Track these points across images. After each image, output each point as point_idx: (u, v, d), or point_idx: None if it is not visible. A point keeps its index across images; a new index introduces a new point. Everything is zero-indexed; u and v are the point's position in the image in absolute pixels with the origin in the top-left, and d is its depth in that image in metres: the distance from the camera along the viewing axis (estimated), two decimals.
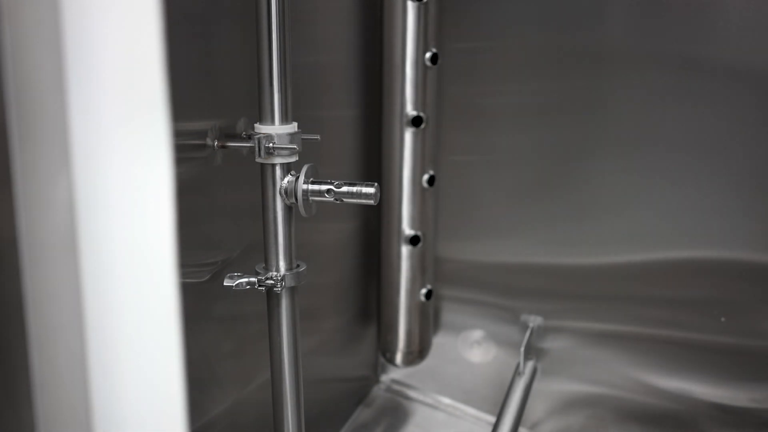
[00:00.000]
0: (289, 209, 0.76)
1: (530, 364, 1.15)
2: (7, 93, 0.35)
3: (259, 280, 0.76)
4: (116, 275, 0.35)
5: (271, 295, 0.78)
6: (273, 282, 0.76)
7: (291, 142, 0.73)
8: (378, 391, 1.31)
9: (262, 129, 0.73)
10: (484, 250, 1.19)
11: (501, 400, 1.09)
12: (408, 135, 1.08)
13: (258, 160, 0.74)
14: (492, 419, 1.15)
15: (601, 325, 1.14)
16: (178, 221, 0.35)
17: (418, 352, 1.20)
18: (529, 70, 1.09)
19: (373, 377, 1.31)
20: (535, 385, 1.15)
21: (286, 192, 0.75)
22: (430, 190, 1.11)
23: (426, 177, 1.10)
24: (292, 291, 0.78)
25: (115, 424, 0.36)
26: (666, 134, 1.02)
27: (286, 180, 0.75)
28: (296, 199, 0.74)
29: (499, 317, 1.21)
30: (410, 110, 1.06)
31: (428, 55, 1.05)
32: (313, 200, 0.75)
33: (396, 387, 1.32)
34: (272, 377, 0.80)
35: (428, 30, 1.04)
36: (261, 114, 0.74)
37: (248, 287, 0.76)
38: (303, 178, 0.74)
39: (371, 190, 0.75)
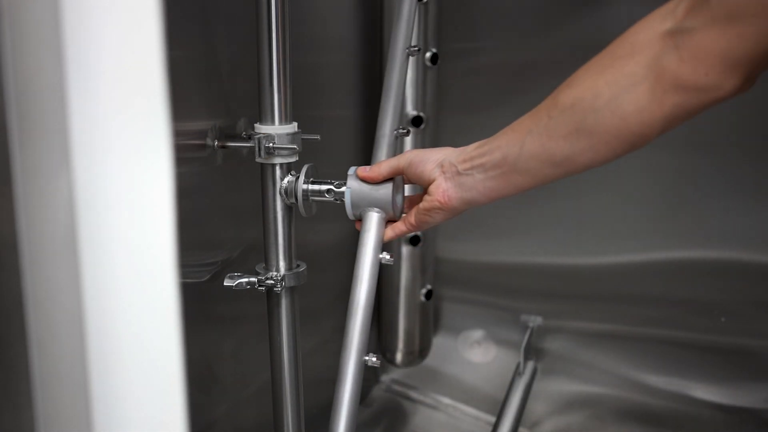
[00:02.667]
0: (289, 209, 0.76)
1: (530, 365, 1.15)
2: (7, 93, 0.35)
3: (259, 280, 0.76)
4: (116, 275, 0.35)
5: (271, 295, 0.78)
6: (273, 282, 0.76)
7: (291, 142, 0.73)
8: (378, 391, 1.30)
9: (262, 129, 0.73)
10: (484, 250, 1.19)
11: (501, 400, 1.09)
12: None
13: (258, 160, 0.74)
14: (492, 419, 1.15)
15: (601, 325, 1.14)
16: (178, 221, 0.35)
17: (418, 353, 1.20)
18: (528, 70, 1.09)
19: (373, 377, 1.31)
20: (535, 385, 1.14)
21: (286, 192, 0.75)
22: None
23: None
24: (292, 291, 0.78)
25: (115, 424, 0.36)
26: (666, 135, 1.02)
27: (286, 180, 0.75)
28: (296, 199, 0.74)
29: (499, 317, 1.20)
30: (410, 110, 1.06)
31: (428, 55, 1.05)
32: (313, 200, 0.75)
33: (396, 387, 1.31)
34: (272, 377, 0.80)
35: (428, 30, 1.04)
36: (261, 114, 0.74)
37: (248, 287, 0.76)
38: (303, 178, 0.74)
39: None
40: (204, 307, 0.78)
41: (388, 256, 0.71)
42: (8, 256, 0.37)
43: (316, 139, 0.78)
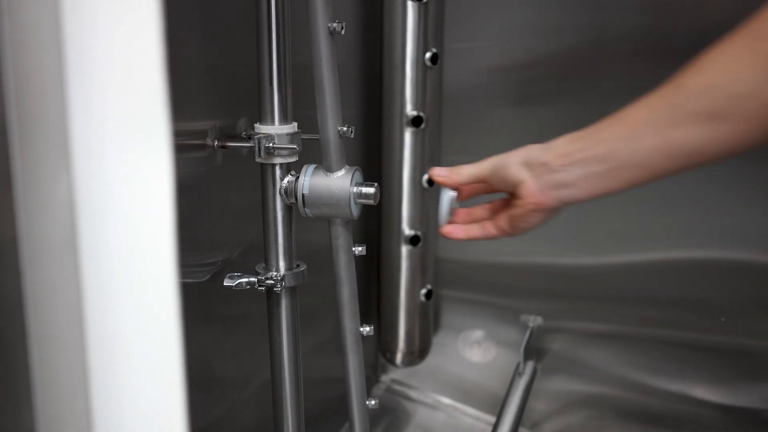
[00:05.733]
0: (289, 209, 0.76)
1: (530, 364, 1.15)
2: (7, 93, 0.35)
3: (259, 280, 0.76)
4: (116, 275, 0.35)
5: (271, 295, 0.78)
6: (273, 282, 0.76)
7: (291, 142, 0.73)
8: (378, 392, 1.30)
9: (262, 129, 0.73)
10: (484, 250, 1.19)
11: (501, 400, 1.09)
12: (408, 135, 1.08)
13: (258, 160, 0.74)
14: (492, 419, 1.15)
15: (601, 325, 1.14)
16: (178, 221, 0.35)
17: (418, 353, 1.20)
18: (529, 70, 1.09)
19: (373, 377, 1.31)
20: (535, 385, 1.15)
21: (286, 192, 0.75)
22: (430, 190, 1.11)
23: (426, 177, 1.10)
24: (292, 291, 0.78)
25: (115, 425, 0.36)
26: None
27: (286, 180, 0.75)
28: (296, 199, 0.74)
29: (499, 317, 1.20)
30: (410, 110, 1.06)
31: (428, 55, 1.05)
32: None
33: (396, 387, 1.31)
34: (272, 377, 0.80)
35: (428, 30, 1.04)
36: (261, 114, 0.74)
37: (248, 287, 0.76)
38: (303, 178, 0.74)
39: (371, 190, 0.75)
40: (204, 307, 0.78)
41: (361, 248, 0.79)
42: (8, 256, 0.37)
43: (316, 139, 0.78)
